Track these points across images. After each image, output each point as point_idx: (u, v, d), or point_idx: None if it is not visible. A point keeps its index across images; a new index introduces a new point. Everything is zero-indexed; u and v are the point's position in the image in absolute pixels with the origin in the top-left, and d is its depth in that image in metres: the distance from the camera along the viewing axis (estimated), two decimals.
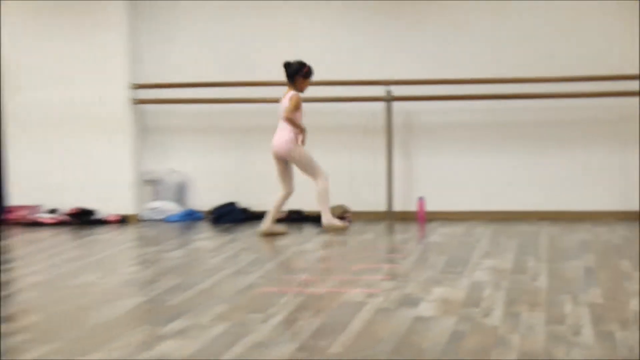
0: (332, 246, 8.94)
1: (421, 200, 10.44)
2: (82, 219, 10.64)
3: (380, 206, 10.62)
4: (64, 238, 9.76)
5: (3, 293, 7.04)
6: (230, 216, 10.60)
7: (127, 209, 10.83)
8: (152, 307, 6.48)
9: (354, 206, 10.63)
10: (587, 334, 5.49)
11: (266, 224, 9.59)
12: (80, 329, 5.85)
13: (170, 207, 10.79)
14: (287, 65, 9.57)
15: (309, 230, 10.00)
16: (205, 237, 9.61)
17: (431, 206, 10.51)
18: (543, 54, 10.37)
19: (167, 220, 10.63)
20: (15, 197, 10.95)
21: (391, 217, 10.51)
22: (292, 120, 9.49)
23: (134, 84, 10.83)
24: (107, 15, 10.72)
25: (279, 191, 9.62)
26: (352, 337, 5.51)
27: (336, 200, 10.56)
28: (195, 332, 5.69)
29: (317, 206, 9.71)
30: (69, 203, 10.82)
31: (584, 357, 5.03)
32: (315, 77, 10.51)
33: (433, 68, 10.53)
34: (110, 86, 10.78)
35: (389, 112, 10.43)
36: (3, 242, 9.53)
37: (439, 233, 9.58)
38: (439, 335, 5.51)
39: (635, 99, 10.12)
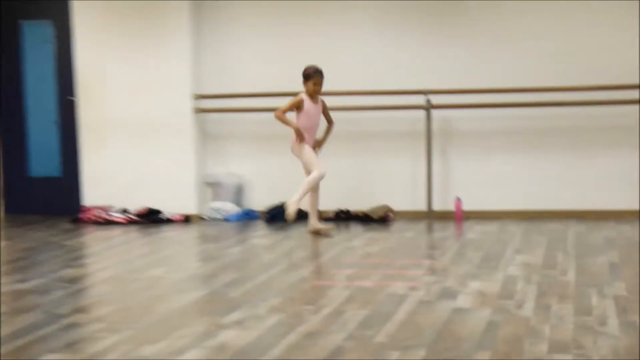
0: (377, 243, 8.91)
1: (458, 200, 10.41)
2: (150, 218, 10.69)
3: (421, 206, 10.60)
4: (133, 236, 9.81)
5: (78, 286, 7.10)
6: (283, 215, 10.59)
7: (191, 209, 10.87)
8: (213, 299, 6.49)
9: (397, 206, 10.61)
10: (613, 324, 5.46)
11: (312, 223, 9.56)
12: (149, 319, 5.88)
13: (229, 208, 10.82)
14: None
15: (355, 228, 9.98)
16: (261, 235, 9.62)
17: (467, 206, 10.47)
18: (571, 64, 10.29)
19: (226, 220, 10.65)
20: (90, 198, 11.03)
21: (431, 216, 10.48)
22: (280, 118, 9.40)
23: (197, 95, 10.87)
24: (173, 32, 10.77)
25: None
26: (396, 327, 5.50)
27: (380, 200, 10.58)
28: (252, 322, 5.70)
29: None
30: (138, 203, 10.88)
31: (610, 345, 5.00)
32: (360, 87, 10.55)
33: (468, 78, 10.48)
34: (176, 97, 10.83)
35: (428, 119, 10.40)
36: (78, 240, 9.59)
37: (474, 231, 9.54)
38: (475, 325, 5.49)
39: None
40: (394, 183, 10.76)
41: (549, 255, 7.96)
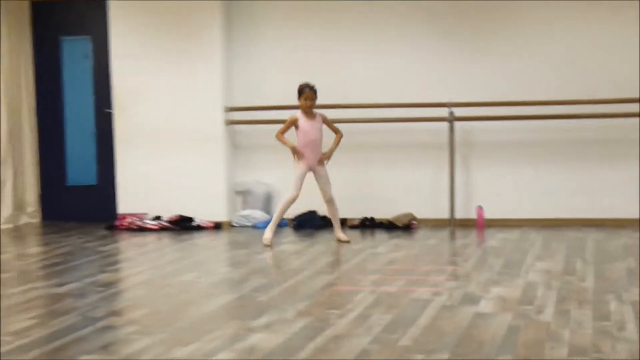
0: (401, 250, 8.88)
1: (480, 208, 10.36)
2: (182, 225, 10.70)
3: (444, 214, 10.56)
4: (166, 242, 9.82)
5: (113, 290, 7.11)
6: (310, 223, 10.59)
7: (221, 216, 10.88)
8: (243, 303, 6.48)
9: (420, 214, 10.59)
10: (631, 329, 5.41)
11: (337, 233, 9.53)
12: (180, 322, 5.87)
13: (258, 215, 10.81)
14: None
15: (380, 235, 9.95)
16: (289, 242, 9.61)
17: (489, 214, 10.43)
18: (591, 77, 10.27)
19: (255, 227, 10.65)
20: (124, 206, 11.06)
21: (453, 224, 10.45)
22: (278, 139, 9.42)
23: (228, 107, 10.89)
24: (205, 47, 10.80)
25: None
26: (419, 331, 5.47)
27: (405, 208, 10.56)
28: (280, 326, 5.68)
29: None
30: (170, 211, 10.90)
31: (628, 350, 4.95)
32: (386, 100, 10.54)
33: (490, 91, 10.47)
34: (208, 109, 10.85)
35: (451, 130, 10.37)
36: (113, 246, 9.61)
37: (496, 238, 9.49)
38: (497, 330, 5.46)
39: None
40: (417, 192, 10.74)
41: (568, 262, 7.91)
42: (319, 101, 10.54)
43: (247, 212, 10.92)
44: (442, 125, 10.48)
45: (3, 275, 7.79)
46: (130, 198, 11.05)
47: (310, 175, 9.42)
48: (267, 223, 10.48)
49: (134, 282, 7.45)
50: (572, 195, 10.42)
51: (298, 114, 9.41)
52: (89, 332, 5.62)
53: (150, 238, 10.09)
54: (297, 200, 10.17)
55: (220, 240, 9.91)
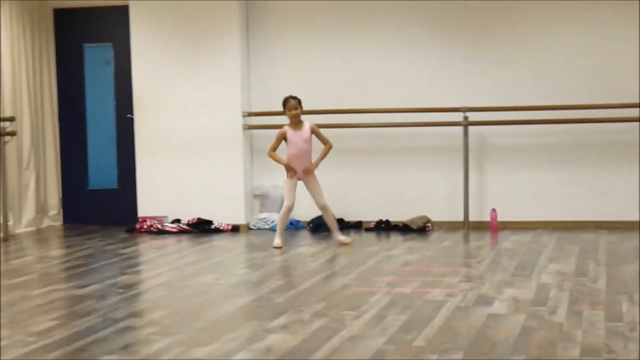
0: (416, 252, 8.87)
1: (493, 211, 10.34)
2: (201, 227, 10.71)
3: (458, 217, 10.55)
4: (185, 244, 9.83)
5: (133, 292, 7.12)
6: (326, 226, 10.56)
7: (239, 219, 10.89)
8: (260, 304, 6.48)
9: (435, 217, 10.58)
10: None
11: (336, 236, 9.54)
12: (199, 323, 5.87)
13: (276, 218, 10.80)
14: None
15: (395, 237, 9.94)
16: (306, 244, 9.61)
17: (502, 216, 10.42)
18: (602, 82, 10.25)
19: (273, 229, 10.64)
20: (144, 209, 11.08)
21: (467, 227, 10.43)
22: (270, 157, 9.50)
23: (246, 112, 10.90)
24: (224, 53, 10.82)
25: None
26: (434, 332, 5.46)
27: (420, 211, 10.55)
28: (297, 327, 5.68)
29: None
30: (189, 214, 10.91)
31: None
32: (403, 105, 10.53)
33: (504, 96, 10.45)
34: (227, 114, 10.87)
35: (466, 135, 10.36)
36: (133, 248, 9.63)
37: (509, 240, 9.47)
38: (510, 331, 5.44)
39: None
40: (432, 195, 10.73)
41: (580, 264, 7.88)
42: (336, 106, 10.63)
43: (264, 215, 10.93)
44: (456, 130, 10.47)
45: (26, 278, 7.83)
46: (150, 201, 11.07)
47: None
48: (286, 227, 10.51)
49: (153, 283, 7.46)
50: (584, 198, 10.39)
51: (286, 127, 9.42)
52: (109, 333, 5.63)
53: (169, 241, 10.10)
54: (313, 203, 10.19)
55: (238, 242, 9.91)
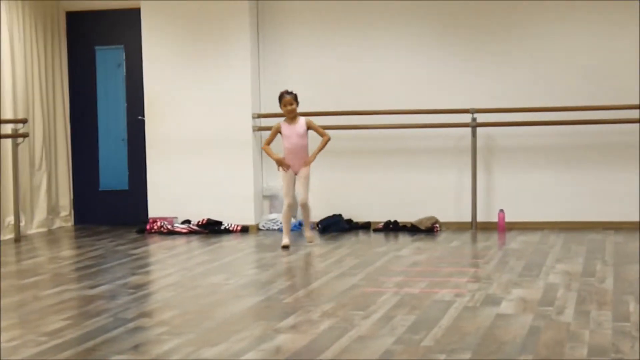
0: (424, 252, 8.85)
1: (501, 212, 10.32)
2: (210, 228, 10.71)
3: (466, 217, 10.53)
4: (195, 245, 9.83)
5: (143, 292, 7.12)
6: (336, 226, 10.58)
7: (249, 220, 10.88)
8: (270, 304, 6.47)
9: (443, 217, 10.56)
10: None
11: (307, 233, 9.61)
12: (209, 323, 5.87)
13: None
14: None
15: (404, 238, 9.93)
16: (315, 245, 9.59)
17: (510, 217, 10.40)
18: (610, 83, 10.23)
19: (282, 230, 10.61)
20: (155, 210, 11.08)
21: (475, 227, 10.42)
22: (264, 150, 9.57)
23: (256, 114, 10.89)
24: (234, 55, 10.81)
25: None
26: (442, 332, 5.44)
27: (428, 212, 10.54)
28: (306, 327, 5.67)
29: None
30: (199, 215, 10.91)
31: None
32: (411, 106, 10.52)
33: (511, 98, 10.44)
34: (237, 116, 10.86)
35: (474, 136, 10.35)
36: (143, 249, 9.63)
37: (517, 241, 9.45)
38: (518, 330, 5.42)
39: None
40: (440, 196, 10.71)
41: (588, 264, 7.86)
42: (345, 107, 10.61)
43: (273, 216, 10.92)
44: (464, 131, 10.45)
45: (38, 278, 7.83)
46: (161, 202, 11.07)
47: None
48: (292, 226, 10.51)
49: (163, 284, 7.46)
50: (591, 199, 10.37)
51: (281, 121, 9.43)
52: (120, 333, 5.63)
53: (179, 241, 10.11)
54: (322, 204, 10.21)
55: (247, 243, 9.91)
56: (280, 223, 10.65)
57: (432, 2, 10.66)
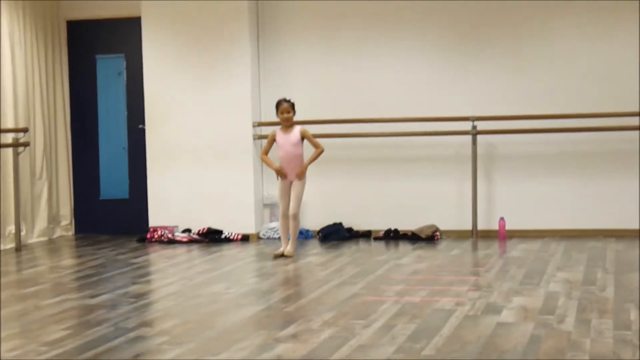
0: (425, 261, 8.85)
1: (502, 220, 10.32)
2: (211, 237, 10.71)
3: (466, 225, 10.52)
4: (195, 254, 9.83)
5: (144, 302, 7.11)
6: (336, 235, 10.58)
7: (249, 229, 10.88)
8: (270, 313, 6.47)
9: (443, 225, 10.56)
10: None
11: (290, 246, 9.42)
12: (210, 332, 5.86)
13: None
14: None
15: (404, 246, 9.92)
16: (315, 253, 9.60)
17: (510, 225, 10.39)
18: (611, 90, 10.24)
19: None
20: (155, 219, 11.08)
21: (476, 235, 10.41)
22: (262, 160, 9.60)
23: (256, 122, 10.90)
24: (235, 64, 10.82)
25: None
26: (443, 340, 5.44)
27: (429, 220, 10.53)
28: (306, 336, 5.67)
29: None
30: (200, 223, 10.91)
31: None
32: (412, 114, 10.52)
33: (511, 106, 10.44)
34: (237, 124, 10.86)
35: (474, 143, 10.35)
36: (144, 258, 9.63)
37: (517, 249, 9.45)
38: (519, 339, 5.42)
39: None
40: (441, 204, 10.71)
41: (588, 272, 7.86)
42: (346, 115, 10.61)
43: (274, 224, 10.92)
44: (465, 139, 10.45)
45: (38, 287, 7.83)
46: (161, 211, 11.07)
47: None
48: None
49: (164, 293, 7.45)
50: (592, 207, 10.37)
51: (276, 129, 9.43)
52: (120, 343, 5.63)
53: (180, 250, 10.10)
54: (322, 213, 10.22)
55: (248, 252, 9.90)
56: None
57: (432, 9, 10.67)
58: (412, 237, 10.38)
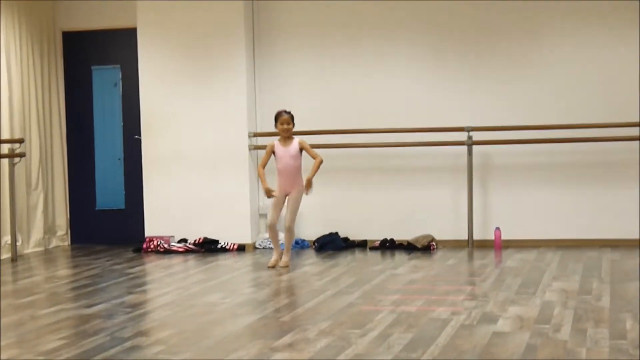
0: (421, 270, 8.84)
1: (497, 230, 10.32)
2: (207, 247, 10.70)
3: (462, 235, 10.53)
4: (191, 264, 9.82)
5: (140, 311, 7.10)
6: (332, 244, 10.57)
7: (245, 239, 10.88)
8: (267, 323, 6.46)
9: (439, 235, 10.56)
10: None
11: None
12: (206, 342, 5.85)
13: (282, 237, 10.78)
14: None
15: (400, 256, 9.92)
16: (311, 263, 9.59)
17: (506, 235, 10.39)
18: (606, 101, 10.25)
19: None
20: (151, 229, 11.07)
21: (471, 245, 10.41)
22: (258, 174, 9.51)
23: (252, 132, 10.90)
24: (230, 74, 10.83)
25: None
26: (439, 350, 5.43)
27: (424, 230, 10.53)
28: (303, 345, 5.66)
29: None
30: (196, 233, 10.91)
31: None
32: (407, 124, 10.53)
33: (506, 116, 10.46)
34: (233, 135, 10.87)
35: (469, 154, 10.35)
36: (140, 268, 9.62)
37: (513, 259, 9.45)
38: (515, 348, 5.41)
39: None
40: (436, 214, 10.71)
41: (584, 281, 7.86)
42: (342, 125, 10.63)
43: None
44: (460, 149, 10.46)
45: (34, 297, 7.82)
46: (157, 221, 11.07)
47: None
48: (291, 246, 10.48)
49: (160, 303, 7.44)
50: (588, 216, 10.37)
51: (275, 141, 9.37)
52: (117, 352, 5.61)
53: (176, 260, 10.09)
54: (318, 222, 10.20)
55: (244, 262, 9.90)
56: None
57: (428, 20, 10.70)
58: (408, 247, 10.37)
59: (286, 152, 9.25)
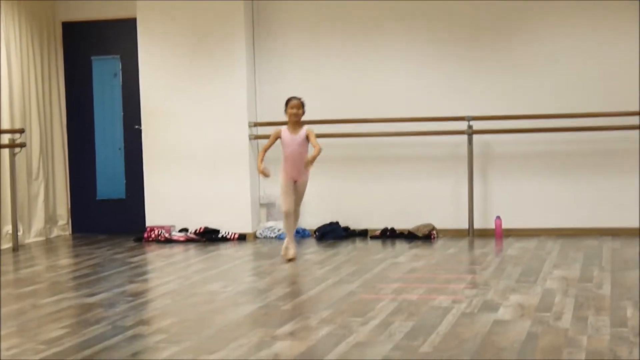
0: (422, 259, 8.84)
1: (498, 218, 10.32)
2: (208, 236, 10.71)
3: (463, 224, 10.52)
4: (192, 253, 9.82)
5: (141, 300, 7.11)
6: (333, 234, 10.57)
7: (246, 228, 10.88)
8: (268, 311, 6.46)
9: (440, 224, 10.55)
10: None
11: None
12: (207, 331, 5.86)
13: (282, 227, 10.79)
14: None
15: (401, 245, 9.92)
16: (312, 252, 9.59)
17: (507, 224, 10.39)
18: (606, 90, 10.23)
19: (279, 238, 10.63)
20: (152, 218, 11.07)
21: (472, 234, 10.41)
22: (259, 155, 9.20)
23: (252, 122, 10.89)
24: (231, 65, 10.82)
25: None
26: (440, 338, 5.44)
27: (425, 219, 10.53)
28: (304, 334, 5.67)
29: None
30: (197, 223, 10.90)
31: None
32: (408, 114, 10.52)
33: (507, 105, 10.44)
34: (233, 124, 10.85)
35: (470, 143, 10.34)
36: (141, 257, 9.62)
37: (514, 247, 9.45)
38: (515, 336, 5.42)
39: None
40: (437, 203, 10.71)
41: (585, 270, 7.86)
42: (342, 115, 10.62)
43: (271, 223, 10.92)
44: (461, 138, 10.45)
45: (36, 286, 7.82)
46: (158, 211, 11.07)
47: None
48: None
49: (161, 292, 7.45)
50: (588, 205, 10.36)
51: (283, 127, 9.13)
52: (118, 341, 5.62)
53: (177, 249, 10.10)
54: (319, 212, 10.20)
55: (245, 251, 9.90)
56: (278, 230, 10.68)
57: (428, 10, 10.68)
58: (409, 236, 10.38)
59: (293, 139, 9.02)
